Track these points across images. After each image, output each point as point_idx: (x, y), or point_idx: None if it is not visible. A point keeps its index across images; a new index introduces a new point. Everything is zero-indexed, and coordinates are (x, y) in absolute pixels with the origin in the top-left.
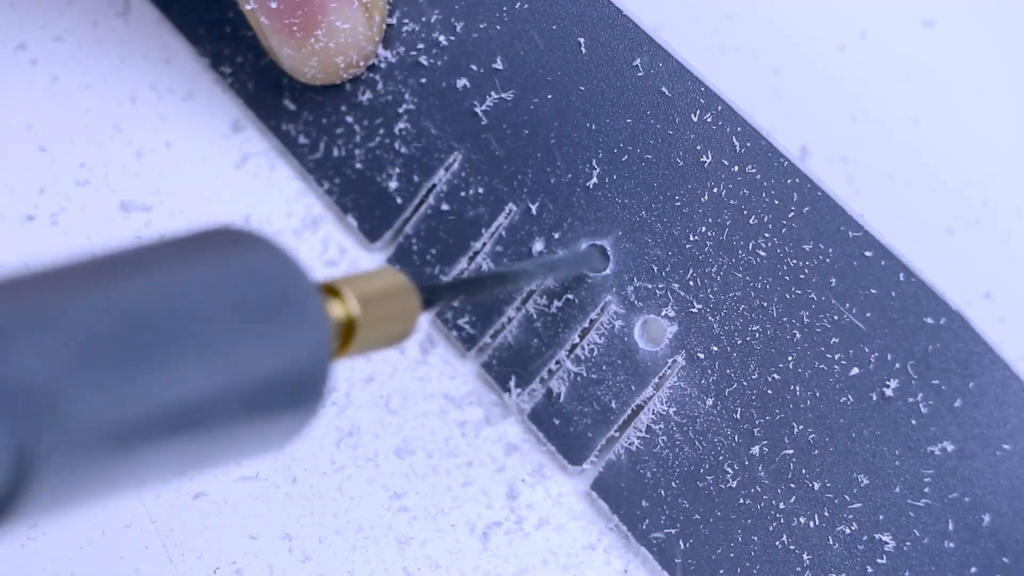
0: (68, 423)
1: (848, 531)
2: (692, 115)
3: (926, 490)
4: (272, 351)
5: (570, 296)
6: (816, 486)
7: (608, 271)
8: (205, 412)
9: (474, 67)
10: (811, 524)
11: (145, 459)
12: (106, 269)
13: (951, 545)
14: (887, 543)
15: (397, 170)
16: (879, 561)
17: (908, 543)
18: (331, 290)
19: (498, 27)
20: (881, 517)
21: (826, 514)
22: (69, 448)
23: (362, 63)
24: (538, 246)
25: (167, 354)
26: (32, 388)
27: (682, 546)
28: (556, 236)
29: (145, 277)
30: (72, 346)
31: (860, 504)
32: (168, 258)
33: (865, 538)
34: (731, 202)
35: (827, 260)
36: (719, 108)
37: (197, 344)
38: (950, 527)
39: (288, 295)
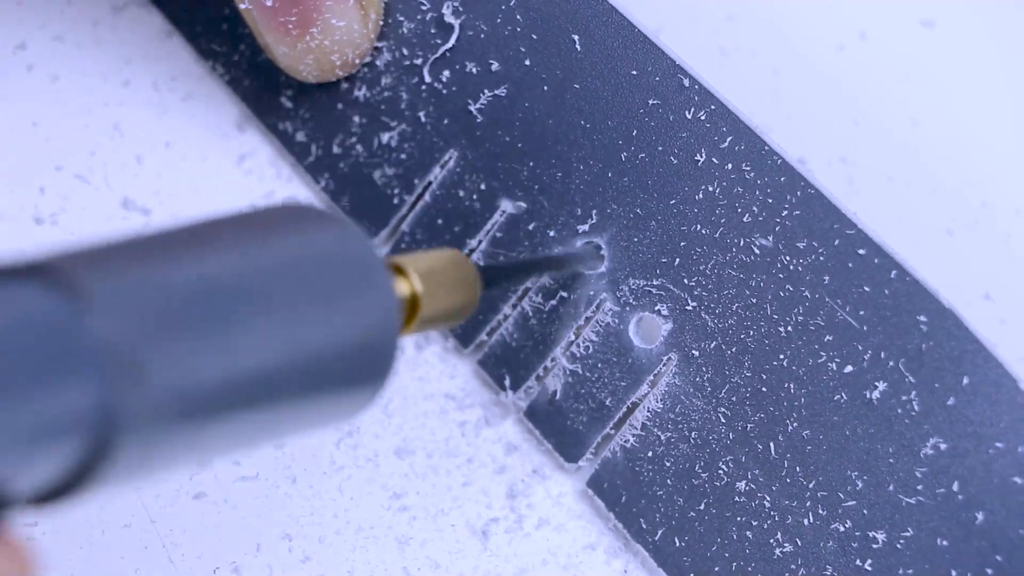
0: (151, 386)
1: (842, 528)
2: (686, 113)
3: (919, 488)
4: (344, 324)
5: (565, 294)
6: (810, 484)
7: (603, 269)
8: (278, 381)
9: (469, 65)
10: (805, 521)
11: (221, 427)
12: (187, 240)
13: (944, 543)
14: (881, 540)
15: (393, 168)
16: (872, 559)
17: (901, 541)
18: (396, 267)
19: (493, 25)
20: (875, 515)
21: (820, 511)
22: (152, 411)
23: (358, 61)
24: (533, 244)
25: (244, 324)
26: (116, 351)
27: (677, 543)
28: (551, 234)
29: (224, 248)
30: (154, 312)
31: (854, 502)
32: (245, 231)
33: (859, 535)
34: (725, 200)
35: (820, 258)
36: (713, 107)
37: (272, 314)
38: (943, 525)
39: (359, 270)
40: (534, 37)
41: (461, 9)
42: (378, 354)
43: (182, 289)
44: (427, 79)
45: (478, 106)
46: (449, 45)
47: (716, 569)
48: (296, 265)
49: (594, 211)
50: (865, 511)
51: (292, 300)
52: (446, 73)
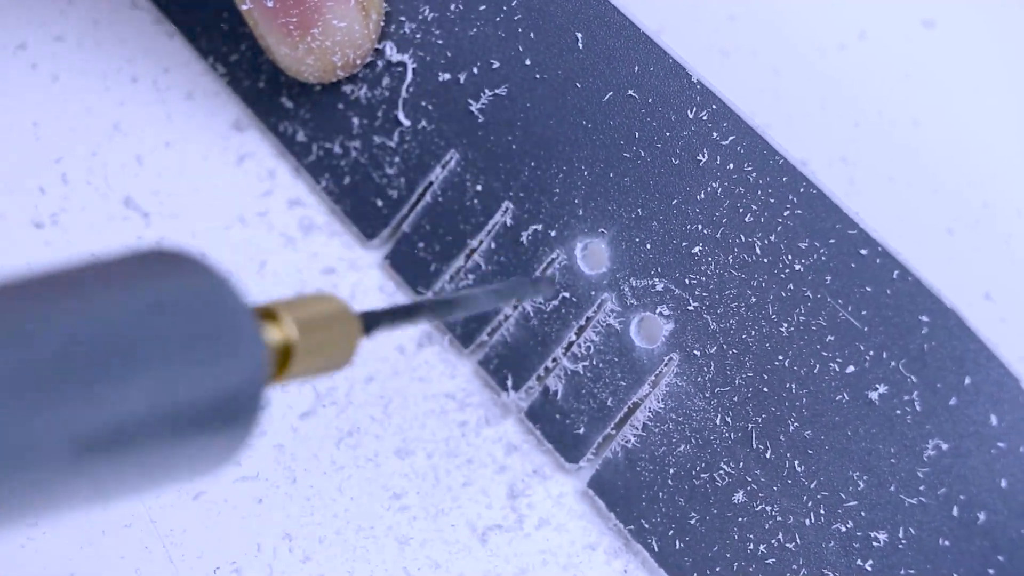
0: None
1: (843, 529)
2: (688, 112)
3: (921, 488)
4: (205, 375)
5: (567, 294)
6: (811, 484)
7: (604, 269)
8: (134, 437)
9: (471, 65)
10: (806, 522)
11: (68, 482)
12: (35, 292)
13: (946, 543)
14: (882, 541)
15: (394, 168)
16: (874, 559)
17: (903, 541)
18: (268, 314)
19: (494, 25)
20: (876, 515)
21: (821, 512)
22: None
23: (359, 61)
24: (533, 243)
25: (98, 379)
26: None
27: (678, 544)
28: (552, 234)
29: (75, 301)
30: (7, 369)
31: (855, 502)
32: (100, 281)
33: (860, 536)
34: (727, 200)
35: (822, 258)
36: (714, 106)
37: (128, 369)
38: (945, 525)
39: (223, 319)
40: (535, 38)
41: (462, 9)
42: (243, 404)
43: (32, 346)
44: (428, 79)
45: (479, 106)
46: (450, 45)
47: (717, 569)
48: (156, 315)
49: (595, 211)
50: (867, 511)
51: (151, 352)
52: (447, 73)
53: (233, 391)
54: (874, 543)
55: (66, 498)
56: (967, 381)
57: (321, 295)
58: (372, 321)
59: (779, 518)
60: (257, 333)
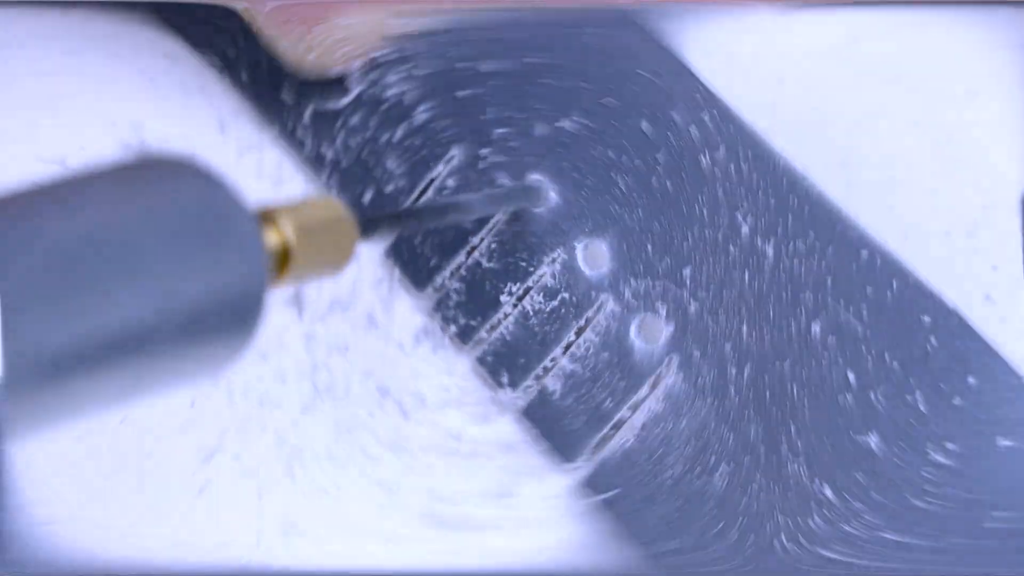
0: (7, 353)
1: (849, 530)
2: (690, 116)
3: (927, 488)
4: (209, 279)
5: (566, 294)
6: (814, 486)
7: (605, 269)
8: (143, 339)
9: (474, 63)
10: (811, 523)
11: (84, 387)
12: (42, 200)
13: (954, 542)
14: (889, 542)
15: (396, 165)
16: (881, 560)
17: (910, 542)
18: (268, 218)
19: (496, 23)
20: (881, 517)
21: (825, 514)
22: (19, 373)
23: (361, 57)
24: (534, 241)
25: (104, 284)
26: None
27: (676, 544)
28: (553, 233)
29: (81, 208)
30: (9, 278)
31: (860, 504)
32: (104, 188)
33: (866, 538)
34: (728, 202)
35: (824, 260)
36: (716, 111)
37: (134, 273)
38: (952, 524)
39: (224, 223)
40: (539, 37)
41: (465, 7)
42: (247, 306)
43: (41, 253)
44: (430, 77)
45: (483, 103)
46: (454, 43)
47: (716, 570)
48: (160, 220)
49: (597, 212)
50: (871, 513)
51: (156, 256)
52: (450, 70)
53: (235, 294)
54: (880, 544)
55: (78, 403)
56: (971, 381)
57: (319, 199)
58: (370, 225)
59: (780, 520)
60: (257, 237)
